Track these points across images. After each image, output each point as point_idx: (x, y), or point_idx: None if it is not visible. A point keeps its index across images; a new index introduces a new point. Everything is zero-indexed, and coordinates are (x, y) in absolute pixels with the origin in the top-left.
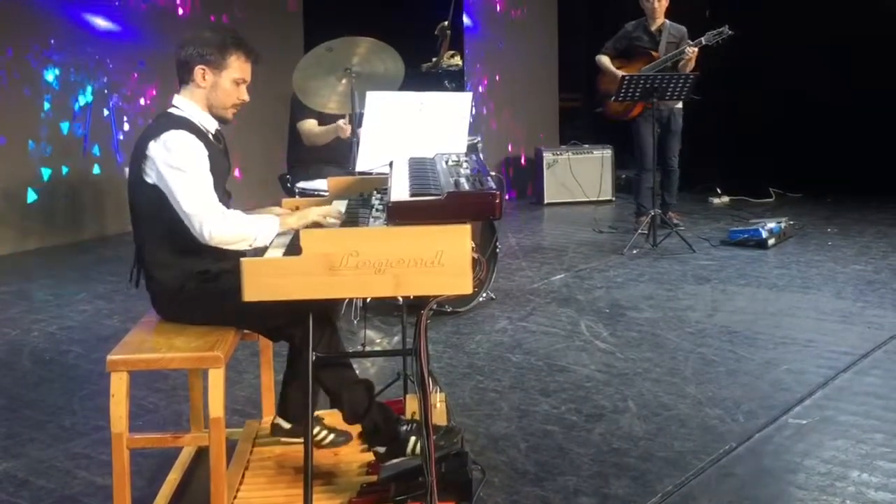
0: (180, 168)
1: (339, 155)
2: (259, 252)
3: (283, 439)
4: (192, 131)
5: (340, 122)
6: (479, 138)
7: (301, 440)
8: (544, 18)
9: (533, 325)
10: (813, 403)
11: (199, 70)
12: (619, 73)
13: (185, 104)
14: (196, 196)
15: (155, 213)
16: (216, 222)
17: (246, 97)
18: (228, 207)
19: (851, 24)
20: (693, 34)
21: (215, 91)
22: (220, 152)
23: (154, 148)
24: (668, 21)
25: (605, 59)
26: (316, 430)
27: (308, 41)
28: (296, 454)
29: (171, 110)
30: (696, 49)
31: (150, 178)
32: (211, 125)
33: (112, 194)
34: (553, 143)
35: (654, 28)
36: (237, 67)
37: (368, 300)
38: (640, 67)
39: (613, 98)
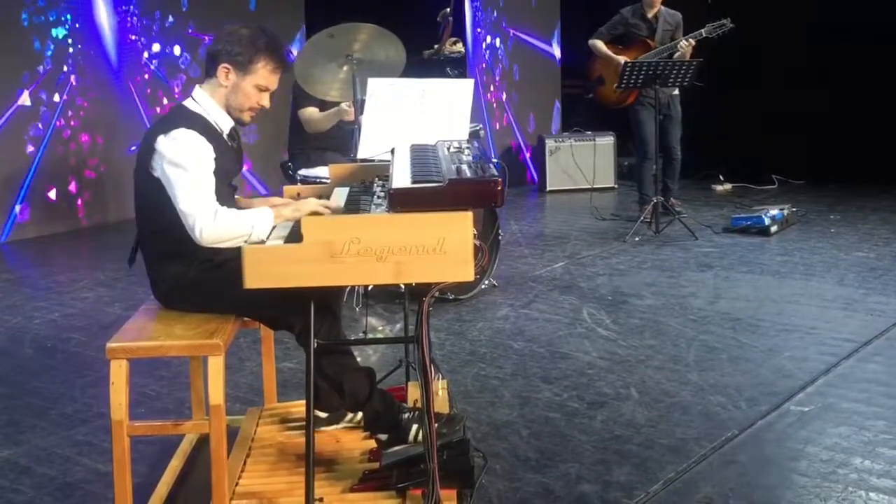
0: (182, 166)
1: (340, 142)
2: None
3: (324, 428)
4: (204, 130)
5: (343, 104)
6: (480, 125)
7: (340, 426)
8: (547, 4)
9: (535, 312)
10: (815, 390)
11: (223, 68)
12: (621, 58)
13: (204, 99)
14: (193, 196)
15: (158, 205)
16: (207, 222)
17: (266, 103)
18: (233, 200)
19: (853, 10)
20: (694, 21)
21: (235, 93)
22: (231, 151)
23: (162, 142)
24: (664, 8)
25: (600, 44)
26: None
27: (309, 28)
28: (297, 441)
29: (186, 103)
30: (692, 42)
31: (156, 172)
32: (226, 124)
33: (114, 182)
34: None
35: (650, 15)
36: (263, 75)
37: (370, 287)
38: (636, 55)
39: (616, 86)
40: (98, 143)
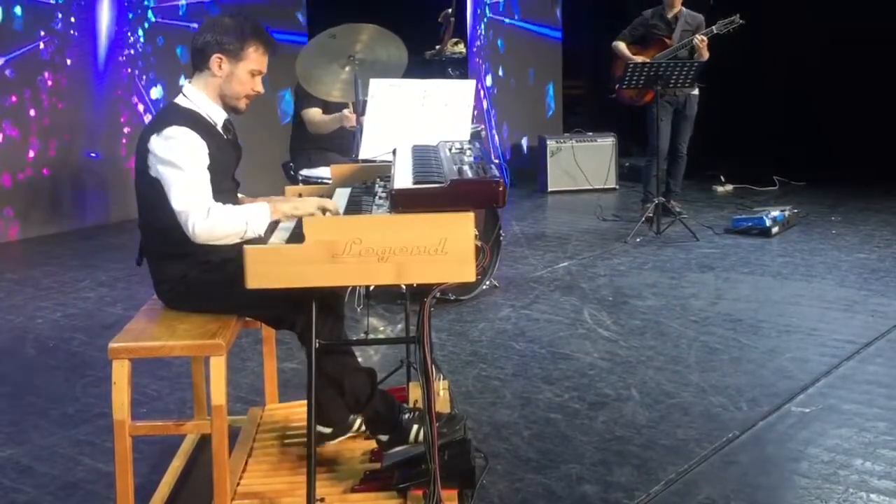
0: (175, 165)
1: (342, 142)
2: (262, 239)
3: (330, 443)
4: (197, 126)
5: (345, 111)
6: (482, 126)
7: (346, 436)
8: (548, 6)
9: (536, 313)
10: (816, 392)
11: (215, 59)
12: (635, 59)
13: (195, 94)
14: (186, 194)
15: (157, 204)
16: (200, 219)
17: (261, 89)
18: (236, 195)
19: (856, 10)
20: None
21: (230, 81)
22: (227, 143)
23: (155, 141)
24: (684, 9)
25: (621, 45)
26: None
27: (311, 28)
28: (299, 441)
29: (178, 100)
30: (704, 38)
31: (152, 172)
32: (219, 116)
33: (115, 181)
34: (556, 130)
35: (670, 16)
36: (255, 59)
37: (371, 288)
38: (654, 54)
39: (617, 85)
40: (98, 140)
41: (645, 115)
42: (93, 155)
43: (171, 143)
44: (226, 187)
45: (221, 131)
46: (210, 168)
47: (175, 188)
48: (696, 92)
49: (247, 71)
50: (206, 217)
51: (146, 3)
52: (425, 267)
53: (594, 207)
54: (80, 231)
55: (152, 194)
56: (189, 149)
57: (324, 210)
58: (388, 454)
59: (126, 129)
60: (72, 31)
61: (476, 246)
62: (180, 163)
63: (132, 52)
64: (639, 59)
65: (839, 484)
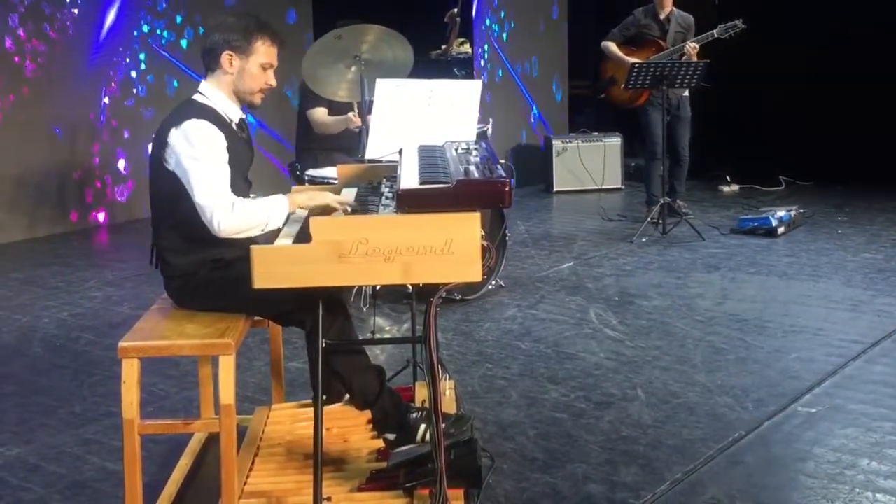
0: (197, 157)
1: (348, 142)
2: (270, 239)
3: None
4: (215, 120)
5: (351, 114)
6: (488, 126)
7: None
8: (553, 5)
9: (542, 312)
10: (822, 392)
11: (225, 56)
12: (630, 60)
13: (211, 92)
14: (209, 187)
15: (172, 199)
16: (225, 214)
17: (273, 82)
18: (248, 196)
19: (861, 10)
20: (701, 20)
21: (242, 77)
22: (242, 142)
23: (174, 135)
24: (676, 10)
25: (612, 46)
26: None
27: (317, 29)
28: (305, 441)
29: (195, 97)
30: (696, 46)
31: (170, 166)
32: (235, 114)
33: (121, 181)
34: (562, 130)
35: (662, 16)
36: (264, 52)
37: (378, 288)
38: (649, 55)
39: (623, 86)
40: (102, 139)
41: (639, 118)
42: (56, 130)
43: (192, 136)
44: (239, 186)
45: (236, 129)
46: (228, 163)
47: (197, 182)
48: (686, 94)
49: (257, 65)
50: (231, 212)
51: (159, 31)
52: (431, 267)
53: (599, 207)
54: (87, 231)
55: (168, 188)
56: (210, 141)
57: (340, 203)
58: (394, 453)
59: (119, 127)
60: (74, 11)
61: (482, 246)
62: (202, 156)
63: (129, 59)
64: (632, 60)
65: (845, 484)
